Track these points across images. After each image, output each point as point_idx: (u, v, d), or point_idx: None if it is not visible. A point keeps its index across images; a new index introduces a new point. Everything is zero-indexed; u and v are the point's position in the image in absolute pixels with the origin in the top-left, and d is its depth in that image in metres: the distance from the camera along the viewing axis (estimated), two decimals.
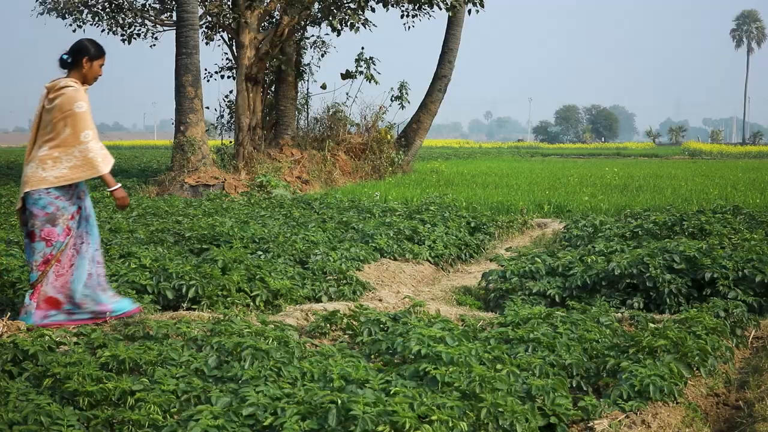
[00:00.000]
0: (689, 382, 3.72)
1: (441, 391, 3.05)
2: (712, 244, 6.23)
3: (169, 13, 18.76)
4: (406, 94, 19.57)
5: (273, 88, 17.55)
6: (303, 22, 17.57)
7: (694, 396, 3.67)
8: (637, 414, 3.21)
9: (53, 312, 4.34)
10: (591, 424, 3.15)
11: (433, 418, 2.74)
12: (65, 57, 4.56)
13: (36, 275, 4.35)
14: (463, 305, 5.91)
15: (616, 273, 5.66)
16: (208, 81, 18.47)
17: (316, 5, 16.82)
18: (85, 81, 4.59)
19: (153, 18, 18.85)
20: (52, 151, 4.42)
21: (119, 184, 4.66)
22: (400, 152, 19.26)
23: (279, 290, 5.35)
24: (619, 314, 4.99)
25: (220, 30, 17.65)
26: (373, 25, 17.27)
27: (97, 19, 18.51)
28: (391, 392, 2.93)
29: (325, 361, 3.36)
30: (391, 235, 7.76)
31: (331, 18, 15.74)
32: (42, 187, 4.41)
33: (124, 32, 18.90)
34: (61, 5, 18.30)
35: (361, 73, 17.98)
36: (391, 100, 19.42)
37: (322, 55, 19.01)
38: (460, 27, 19.76)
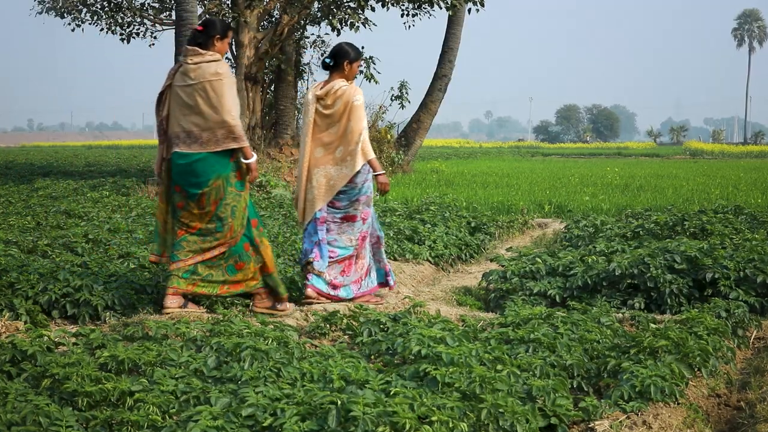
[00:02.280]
0: (690, 382, 3.71)
1: (441, 392, 3.04)
2: (714, 245, 6.22)
3: (168, 13, 18.75)
4: (406, 93, 19.56)
5: (272, 88, 17.54)
6: (303, 22, 17.56)
7: (696, 397, 3.65)
8: (638, 415, 3.20)
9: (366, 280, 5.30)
10: (592, 424, 3.14)
11: (434, 418, 2.73)
12: (328, 60, 5.14)
13: (352, 249, 5.22)
14: (463, 305, 5.90)
15: (617, 273, 5.64)
16: None
17: (316, 4, 16.81)
18: (347, 79, 5.15)
19: (152, 17, 18.84)
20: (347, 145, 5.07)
21: (383, 170, 5.20)
22: (400, 152, 19.25)
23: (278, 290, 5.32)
24: (620, 314, 4.98)
25: None
26: (373, 24, 17.26)
27: (96, 18, 18.49)
28: (391, 393, 2.92)
29: (325, 361, 3.35)
30: (391, 235, 7.75)
31: (330, 17, 15.73)
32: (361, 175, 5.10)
33: (123, 31, 18.88)
34: (60, 4, 18.29)
35: (360, 72, 17.95)
36: (391, 99, 19.42)
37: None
38: (460, 26, 19.74)
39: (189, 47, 4.73)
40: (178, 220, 4.76)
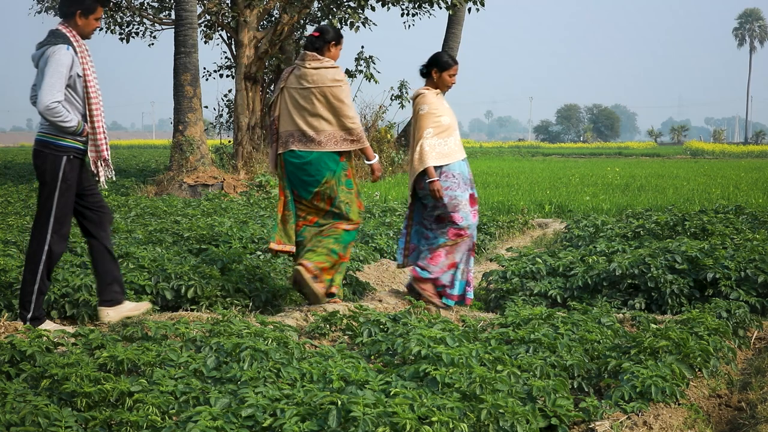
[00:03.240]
0: (691, 383, 3.70)
1: (441, 392, 3.03)
2: (714, 245, 6.21)
3: (167, 12, 18.75)
4: (406, 93, 19.56)
5: (272, 87, 17.53)
6: (303, 21, 17.55)
7: (696, 397, 3.65)
8: (638, 415, 3.19)
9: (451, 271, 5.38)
10: (592, 425, 3.13)
11: (434, 419, 2.72)
12: (422, 68, 5.42)
13: (444, 239, 5.35)
14: (463, 305, 5.89)
15: (617, 273, 5.64)
16: (207, 80, 18.48)
17: (316, 4, 16.82)
18: (438, 87, 5.38)
19: (151, 17, 18.83)
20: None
21: (436, 177, 5.27)
22: (400, 152, 19.24)
23: (278, 290, 5.33)
24: (621, 315, 4.97)
25: (219, 29, 17.63)
26: (373, 23, 17.27)
27: None
28: (391, 393, 2.91)
29: (325, 362, 3.34)
30: (391, 235, 7.74)
31: (330, 17, 15.72)
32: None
33: (122, 31, 18.88)
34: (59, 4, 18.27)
35: (360, 72, 17.95)
36: (391, 99, 19.41)
37: None
38: (460, 26, 19.75)
39: (308, 52, 4.97)
40: (295, 213, 5.08)
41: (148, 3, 18.82)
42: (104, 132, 4.39)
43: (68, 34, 4.30)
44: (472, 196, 5.40)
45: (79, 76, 4.29)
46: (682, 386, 3.50)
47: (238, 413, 2.73)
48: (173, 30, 14.16)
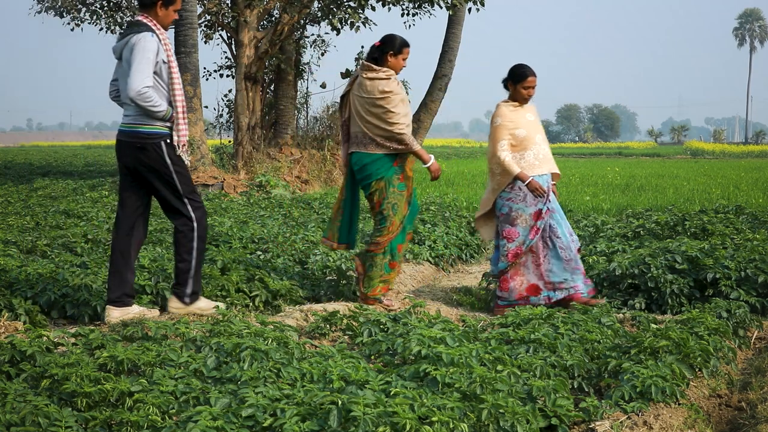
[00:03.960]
0: (691, 383, 3.70)
1: (441, 392, 3.03)
2: (715, 245, 6.21)
3: None
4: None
5: (272, 87, 17.52)
6: (303, 21, 17.55)
7: (697, 397, 3.64)
8: (638, 415, 3.18)
9: (534, 298, 5.32)
10: (592, 425, 3.13)
11: (434, 419, 2.72)
12: (503, 81, 5.55)
13: (504, 265, 5.40)
14: (463, 305, 5.89)
15: (617, 273, 5.63)
16: (207, 80, 18.44)
17: (316, 4, 16.80)
18: (516, 100, 5.48)
19: None
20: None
21: (530, 177, 5.36)
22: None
23: (278, 290, 5.33)
24: (621, 315, 4.97)
25: (219, 28, 17.62)
26: (374, 23, 17.26)
27: (95, 17, 18.48)
28: (392, 393, 2.91)
29: (325, 362, 3.34)
30: None
31: (331, 17, 15.71)
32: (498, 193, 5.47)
33: (122, 31, 18.88)
34: (59, 4, 18.27)
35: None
36: None
37: (322, 54, 18.97)
38: (460, 26, 19.72)
39: (366, 62, 5.18)
40: (350, 213, 5.36)
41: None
42: (185, 117, 4.50)
43: (149, 23, 4.42)
44: (539, 212, 5.32)
45: (164, 62, 4.40)
46: (682, 386, 3.50)
47: (239, 413, 2.73)
48: (173, 30, 14.16)
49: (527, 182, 5.29)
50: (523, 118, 5.41)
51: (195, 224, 4.55)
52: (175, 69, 4.47)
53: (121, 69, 4.43)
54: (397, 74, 5.18)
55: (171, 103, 4.45)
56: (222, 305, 4.65)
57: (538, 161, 5.37)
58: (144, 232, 4.66)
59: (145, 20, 4.43)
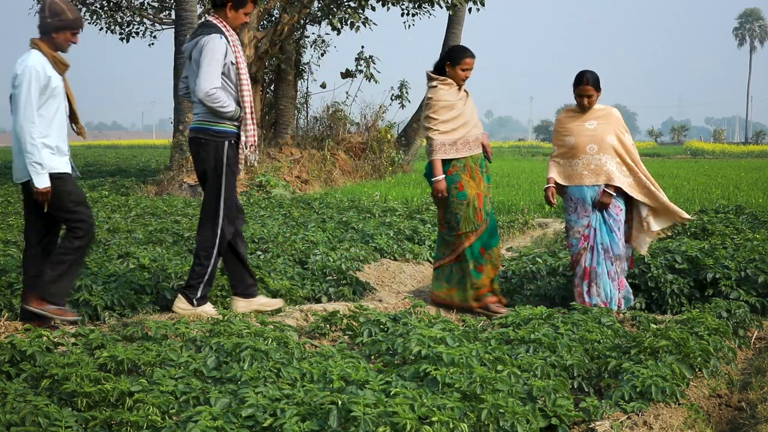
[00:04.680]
0: (691, 383, 3.70)
1: (441, 392, 3.03)
2: (715, 244, 6.21)
3: (167, 12, 18.75)
4: (407, 93, 19.54)
5: (272, 87, 17.53)
6: (303, 21, 17.55)
7: (697, 397, 3.64)
8: (638, 415, 3.18)
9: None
10: (592, 425, 3.13)
11: (434, 419, 2.72)
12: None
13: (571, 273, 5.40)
14: None
15: None
16: None
17: (316, 4, 16.81)
18: (580, 111, 5.37)
19: (151, 16, 18.83)
20: None
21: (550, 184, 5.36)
22: (401, 152, 19.24)
23: (278, 290, 5.32)
24: (621, 315, 4.96)
25: None
26: (374, 23, 17.27)
27: (95, 17, 18.48)
28: (392, 393, 2.91)
29: (325, 361, 3.34)
30: (391, 235, 7.74)
31: (331, 17, 15.71)
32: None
33: (122, 31, 18.88)
34: None
35: (361, 72, 17.95)
36: (391, 99, 19.40)
37: (322, 54, 18.99)
38: (460, 26, 19.73)
39: (427, 72, 5.35)
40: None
41: (148, 3, 18.82)
42: (253, 118, 4.52)
43: (219, 24, 4.45)
44: (588, 224, 5.22)
45: (232, 63, 4.44)
46: (682, 386, 3.50)
47: (239, 413, 2.73)
48: (173, 30, 14.16)
49: (547, 188, 5.29)
50: (574, 127, 5.26)
51: (217, 238, 4.56)
52: (243, 70, 4.49)
53: (191, 69, 4.51)
54: (458, 85, 5.22)
55: (239, 103, 4.49)
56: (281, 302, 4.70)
57: (586, 171, 5.19)
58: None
59: (215, 21, 4.47)
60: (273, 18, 17.34)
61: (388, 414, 2.68)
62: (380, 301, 5.60)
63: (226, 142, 4.47)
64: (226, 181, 4.52)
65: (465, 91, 5.30)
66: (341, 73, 18.20)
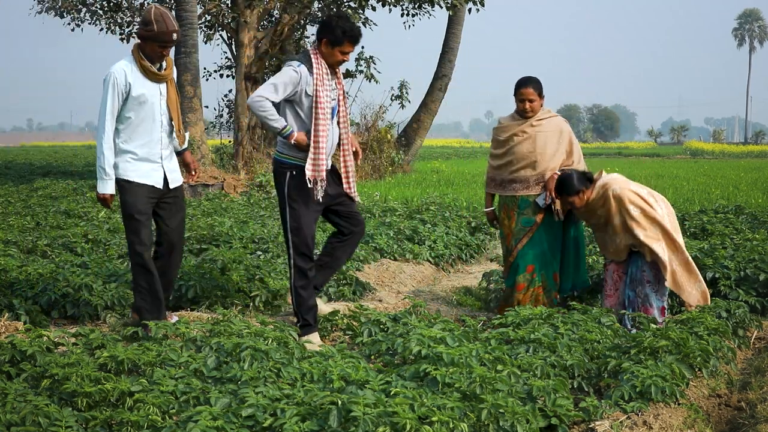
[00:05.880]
0: (691, 383, 3.70)
1: (441, 392, 3.03)
2: (714, 244, 6.21)
3: None
4: (407, 93, 19.54)
5: None
6: (303, 21, 17.55)
7: (696, 397, 3.65)
8: (638, 415, 3.19)
9: None
10: (592, 425, 3.14)
11: (434, 419, 2.72)
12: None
13: None
14: (463, 305, 5.89)
15: None
16: (207, 80, 18.48)
17: (316, 4, 16.81)
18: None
19: None
20: None
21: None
22: (401, 152, 19.24)
23: (279, 290, 5.33)
24: (621, 314, 4.96)
25: (220, 29, 17.64)
26: (374, 24, 17.27)
27: (95, 18, 18.49)
28: (392, 393, 2.91)
29: (325, 361, 3.34)
30: (391, 235, 7.74)
31: None
32: None
33: (122, 31, 18.87)
34: (59, 4, 18.27)
35: (361, 72, 17.94)
36: (391, 99, 19.40)
37: None
38: (460, 26, 19.74)
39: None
40: None
41: (148, 3, 18.81)
42: (326, 154, 4.43)
43: (312, 56, 4.42)
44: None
45: (307, 95, 4.38)
46: (682, 386, 3.50)
47: (239, 413, 2.74)
48: None
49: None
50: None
51: (292, 270, 4.46)
52: (325, 106, 4.40)
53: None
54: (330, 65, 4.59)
55: (308, 134, 4.40)
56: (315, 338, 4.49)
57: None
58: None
59: (311, 52, 4.44)
60: (273, 18, 17.34)
61: (388, 414, 2.68)
62: (380, 301, 5.60)
63: (288, 173, 4.42)
64: (290, 210, 4.43)
65: (531, 123, 4.96)
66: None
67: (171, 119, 4.31)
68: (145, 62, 4.17)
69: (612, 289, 4.95)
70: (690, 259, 4.77)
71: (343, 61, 4.48)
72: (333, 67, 4.48)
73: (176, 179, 4.38)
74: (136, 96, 4.14)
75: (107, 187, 4.13)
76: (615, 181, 4.74)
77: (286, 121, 4.38)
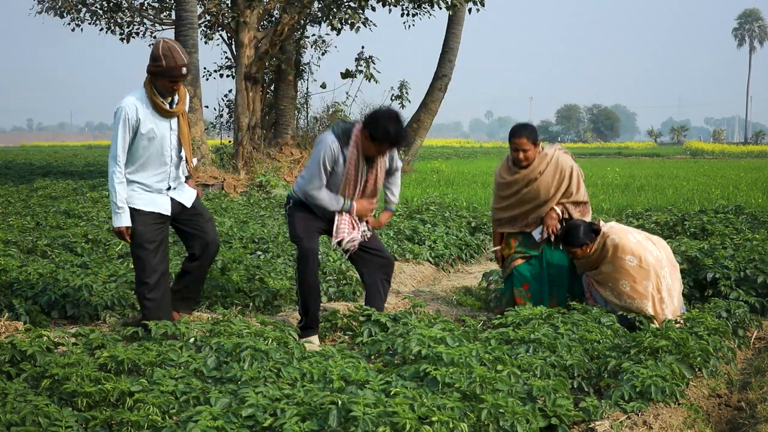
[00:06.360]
0: (691, 383, 3.70)
1: (441, 392, 3.03)
2: (714, 245, 6.21)
3: (167, 12, 18.73)
4: (407, 93, 19.53)
5: (272, 88, 17.52)
6: (303, 21, 17.55)
7: (696, 397, 3.65)
8: (638, 415, 3.19)
9: None
10: (592, 425, 3.14)
11: (434, 419, 2.72)
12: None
13: None
14: (463, 305, 5.89)
15: None
16: (207, 80, 18.46)
17: (316, 4, 16.81)
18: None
19: (152, 17, 18.83)
20: None
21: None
22: (400, 152, 19.25)
23: (278, 290, 5.33)
24: (621, 314, 4.96)
25: (219, 29, 17.63)
26: (374, 24, 17.27)
27: (95, 18, 18.49)
28: (392, 393, 2.91)
29: (325, 361, 3.34)
30: (391, 235, 7.74)
31: (331, 17, 15.72)
32: None
33: (122, 31, 18.87)
34: (59, 4, 18.26)
35: (361, 72, 17.94)
36: (391, 99, 19.38)
37: (322, 54, 18.99)
38: (460, 26, 19.74)
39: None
40: None
41: (148, 3, 18.81)
42: (352, 222, 4.48)
43: (353, 135, 4.37)
44: None
45: (334, 171, 4.39)
46: (682, 386, 3.50)
47: (239, 413, 2.74)
48: (173, 30, 14.17)
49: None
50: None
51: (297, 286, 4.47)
52: (352, 178, 4.41)
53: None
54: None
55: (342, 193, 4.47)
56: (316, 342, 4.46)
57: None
58: None
59: (354, 132, 4.39)
60: (273, 18, 17.34)
61: (388, 414, 2.68)
62: None
63: (292, 200, 4.53)
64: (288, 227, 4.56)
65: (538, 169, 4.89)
66: (341, 73, 18.19)
67: (181, 152, 4.30)
68: (157, 99, 4.12)
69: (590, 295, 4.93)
70: (665, 298, 4.66)
71: (378, 155, 4.45)
72: (366, 155, 4.42)
73: (190, 198, 4.39)
74: (146, 132, 4.11)
75: (122, 221, 4.09)
76: (613, 230, 4.69)
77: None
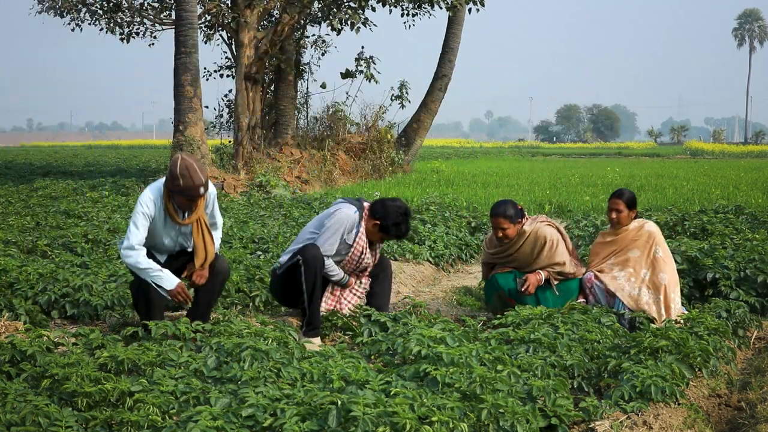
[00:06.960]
0: (691, 383, 3.70)
1: (441, 392, 3.03)
2: (714, 245, 6.21)
3: (167, 12, 18.73)
4: (407, 93, 19.55)
5: (272, 88, 17.53)
6: (303, 21, 17.56)
7: (696, 397, 3.65)
8: (638, 415, 3.19)
9: None
10: (592, 425, 3.14)
11: (434, 419, 2.72)
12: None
13: None
14: (463, 305, 5.89)
15: None
16: (207, 80, 18.48)
17: (316, 4, 16.82)
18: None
19: (152, 17, 18.83)
20: None
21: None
22: (401, 152, 19.25)
23: None
24: (621, 314, 4.96)
25: (220, 29, 17.63)
26: (374, 24, 17.28)
27: (95, 18, 18.49)
28: (392, 393, 2.91)
29: (325, 361, 3.34)
30: None
31: (331, 17, 15.72)
32: None
33: (122, 31, 18.88)
34: (59, 4, 18.25)
35: (361, 72, 17.95)
36: (392, 99, 19.41)
37: (322, 54, 18.99)
38: (460, 26, 19.75)
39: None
40: None
41: (148, 3, 18.80)
42: (354, 296, 4.77)
43: (363, 219, 4.65)
44: None
45: (343, 254, 4.65)
46: (682, 386, 3.50)
47: (239, 413, 2.74)
48: (173, 30, 14.16)
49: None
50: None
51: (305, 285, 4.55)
52: (354, 258, 4.65)
53: (319, 221, 4.75)
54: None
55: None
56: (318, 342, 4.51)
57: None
58: None
59: (364, 215, 4.62)
60: (273, 18, 17.34)
61: (387, 414, 2.68)
62: None
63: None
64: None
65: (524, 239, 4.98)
66: (341, 73, 18.20)
67: (185, 248, 4.36)
68: (170, 209, 4.20)
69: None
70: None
71: (375, 242, 4.72)
72: (369, 239, 4.69)
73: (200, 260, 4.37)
74: (152, 230, 4.21)
75: (171, 282, 4.12)
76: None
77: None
